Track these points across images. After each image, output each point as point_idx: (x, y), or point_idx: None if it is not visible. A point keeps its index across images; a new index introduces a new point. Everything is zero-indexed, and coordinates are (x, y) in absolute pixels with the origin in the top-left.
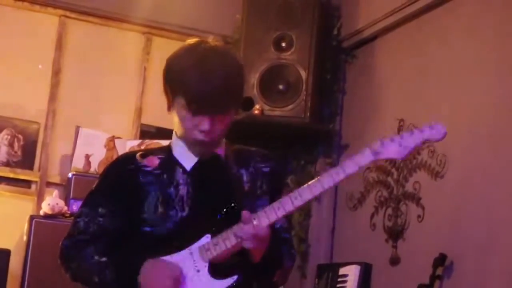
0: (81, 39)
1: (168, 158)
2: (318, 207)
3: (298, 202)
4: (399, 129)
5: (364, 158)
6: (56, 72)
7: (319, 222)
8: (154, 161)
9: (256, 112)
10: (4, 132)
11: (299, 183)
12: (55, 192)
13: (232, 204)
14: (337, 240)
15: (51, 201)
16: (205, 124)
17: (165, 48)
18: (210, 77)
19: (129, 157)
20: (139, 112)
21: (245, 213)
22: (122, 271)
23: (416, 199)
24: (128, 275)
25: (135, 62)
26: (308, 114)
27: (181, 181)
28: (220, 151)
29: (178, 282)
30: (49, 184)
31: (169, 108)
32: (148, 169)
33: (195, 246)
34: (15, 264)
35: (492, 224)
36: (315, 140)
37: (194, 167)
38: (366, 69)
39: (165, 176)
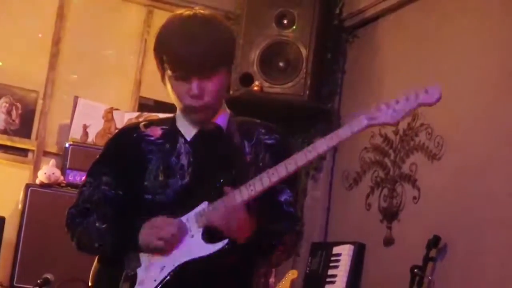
0: (82, 9)
1: (170, 128)
2: (313, 186)
3: (275, 178)
4: None
5: (359, 123)
6: (56, 42)
7: (314, 200)
8: (157, 131)
9: (256, 88)
10: (3, 99)
11: None
12: (52, 161)
13: (232, 173)
14: (331, 219)
15: (48, 170)
16: (193, 88)
17: None
18: (191, 40)
19: (133, 127)
20: (138, 84)
21: (226, 189)
22: (121, 234)
23: (412, 180)
24: (128, 236)
25: (136, 34)
26: (307, 92)
27: (182, 151)
28: (222, 121)
29: (175, 236)
30: (46, 153)
31: (163, 79)
32: (151, 138)
33: (192, 213)
34: (9, 231)
35: (487, 207)
36: (313, 118)
37: (195, 137)
38: (367, 49)
39: (167, 145)
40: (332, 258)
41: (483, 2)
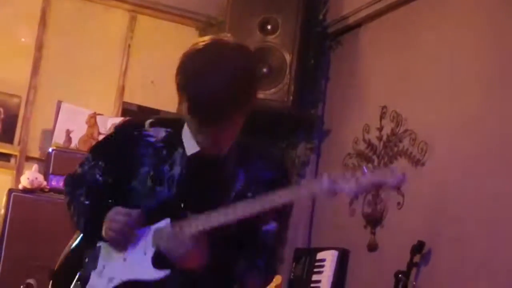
0: (65, 14)
1: (175, 133)
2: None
3: (229, 218)
4: (382, 116)
5: (320, 184)
6: (39, 47)
7: (298, 206)
8: (161, 132)
9: None
10: None
11: None
12: (35, 167)
13: (212, 202)
14: (315, 225)
15: (30, 176)
16: (208, 139)
17: (149, 27)
18: (213, 88)
19: (138, 123)
20: (121, 89)
21: (179, 223)
22: (95, 217)
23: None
24: (99, 221)
25: (119, 40)
26: (291, 98)
27: (177, 161)
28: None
29: (131, 228)
30: (29, 158)
31: (180, 102)
32: (151, 140)
33: (154, 227)
34: None
35: (470, 213)
36: (297, 124)
37: (195, 155)
38: (350, 55)
39: (164, 151)
40: (316, 264)
41: (467, 9)
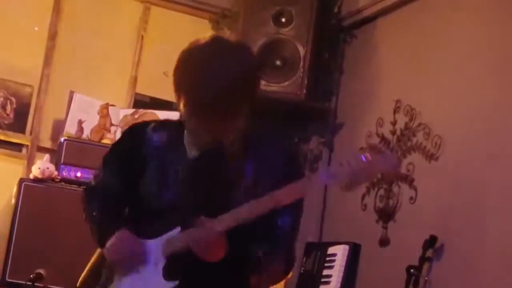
0: (78, 4)
1: (176, 137)
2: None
3: (259, 210)
4: (395, 110)
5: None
6: (52, 36)
7: (310, 200)
8: (163, 137)
9: None
10: None
11: None
12: (46, 156)
13: (220, 201)
14: (327, 219)
15: (42, 165)
16: (208, 134)
17: (163, 18)
18: (211, 84)
19: (142, 126)
20: (134, 81)
21: (199, 219)
22: (104, 233)
23: (409, 180)
24: (106, 238)
25: (132, 31)
26: (304, 91)
27: (180, 165)
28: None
29: (132, 259)
30: (40, 148)
31: (177, 102)
32: (155, 144)
33: (165, 236)
34: (2, 226)
35: (484, 208)
36: (309, 117)
37: (197, 156)
38: (364, 49)
39: (168, 155)
40: (327, 258)
41: (481, 1)
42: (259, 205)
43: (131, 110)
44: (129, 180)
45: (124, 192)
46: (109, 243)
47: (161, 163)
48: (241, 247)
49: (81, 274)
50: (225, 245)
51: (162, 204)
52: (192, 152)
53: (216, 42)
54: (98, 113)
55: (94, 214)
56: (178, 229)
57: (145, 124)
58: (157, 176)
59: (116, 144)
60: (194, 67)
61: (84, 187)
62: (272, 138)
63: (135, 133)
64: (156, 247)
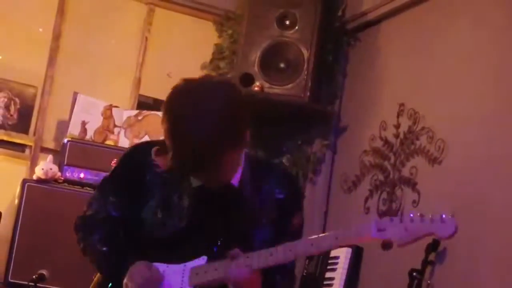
0: (83, 5)
1: None
2: (312, 189)
3: (291, 255)
4: (399, 114)
5: (368, 230)
6: (57, 37)
7: (313, 203)
8: (167, 162)
9: (256, 89)
10: (1, 94)
11: (295, 163)
12: (49, 157)
13: (234, 229)
14: (329, 222)
15: (45, 166)
16: (202, 181)
17: (167, 20)
18: (188, 142)
19: (145, 149)
20: (137, 82)
21: (233, 252)
22: (114, 268)
23: (412, 184)
24: (118, 271)
25: (136, 32)
26: (308, 94)
27: (185, 193)
28: (235, 179)
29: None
30: (44, 149)
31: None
32: (158, 170)
33: (190, 264)
34: (5, 226)
35: (486, 212)
36: (313, 120)
37: (200, 187)
38: (368, 52)
39: (172, 182)
40: (330, 261)
41: (485, 5)
42: (297, 250)
43: (135, 112)
44: (131, 209)
45: (126, 220)
46: (127, 278)
47: (166, 189)
48: (271, 281)
49: (83, 275)
50: (261, 282)
51: (166, 230)
52: (195, 181)
53: (192, 91)
54: (102, 114)
55: (98, 247)
56: (205, 258)
57: (147, 147)
58: (161, 201)
59: (117, 170)
60: (171, 123)
61: (78, 216)
62: (272, 164)
63: (136, 158)
64: (181, 273)
